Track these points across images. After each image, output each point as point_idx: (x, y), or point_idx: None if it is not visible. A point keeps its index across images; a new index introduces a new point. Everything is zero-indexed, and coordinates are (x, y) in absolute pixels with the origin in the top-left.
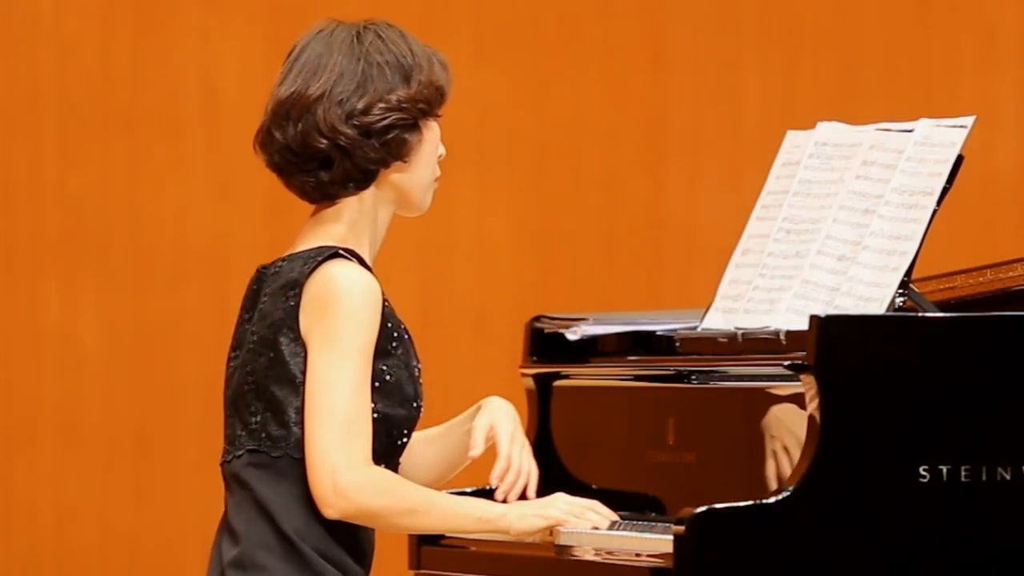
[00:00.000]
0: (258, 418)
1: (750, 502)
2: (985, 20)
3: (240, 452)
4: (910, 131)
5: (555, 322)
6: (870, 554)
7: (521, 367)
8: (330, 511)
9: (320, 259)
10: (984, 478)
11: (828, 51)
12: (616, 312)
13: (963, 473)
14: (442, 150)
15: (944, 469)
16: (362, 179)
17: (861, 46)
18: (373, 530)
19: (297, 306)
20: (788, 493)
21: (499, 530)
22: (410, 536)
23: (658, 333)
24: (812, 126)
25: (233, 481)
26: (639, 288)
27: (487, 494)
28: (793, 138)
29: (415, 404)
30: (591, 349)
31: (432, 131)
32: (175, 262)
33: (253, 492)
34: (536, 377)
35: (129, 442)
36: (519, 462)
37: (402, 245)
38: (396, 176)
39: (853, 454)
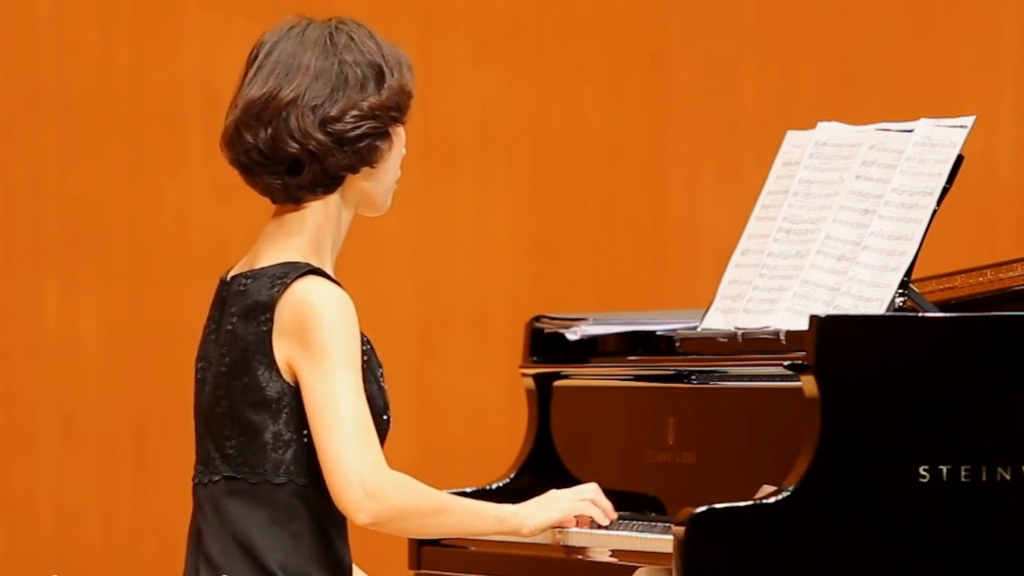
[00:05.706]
0: (233, 443)
1: (750, 502)
2: (985, 20)
3: (217, 478)
4: (910, 131)
5: (555, 322)
6: (870, 554)
7: (521, 367)
8: (363, 516)
9: (288, 280)
10: (984, 478)
11: (828, 51)
12: (616, 312)
13: (963, 473)
14: (404, 151)
15: (944, 469)
16: (330, 184)
17: (861, 46)
18: (350, 553)
19: (269, 331)
20: (788, 493)
21: (513, 529)
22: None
23: (658, 333)
24: (812, 126)
25: (209, 506)
26: (639, 288)
27: (486, 495)
28: (793, 138)
29: (385, 417)
30: (591, 349)
31: (400, 137)
32: (175, 262)
33: (233, 523)
34: (536, 377)
35: (129, 442)
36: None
37: (402, 245)
38: (363, 181)
39: (853, 454)
